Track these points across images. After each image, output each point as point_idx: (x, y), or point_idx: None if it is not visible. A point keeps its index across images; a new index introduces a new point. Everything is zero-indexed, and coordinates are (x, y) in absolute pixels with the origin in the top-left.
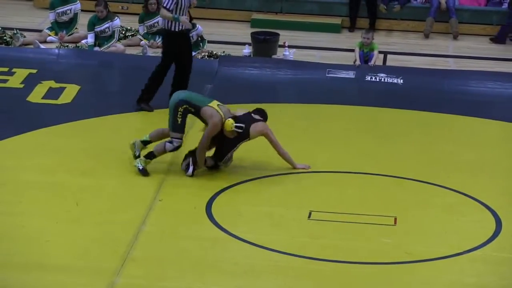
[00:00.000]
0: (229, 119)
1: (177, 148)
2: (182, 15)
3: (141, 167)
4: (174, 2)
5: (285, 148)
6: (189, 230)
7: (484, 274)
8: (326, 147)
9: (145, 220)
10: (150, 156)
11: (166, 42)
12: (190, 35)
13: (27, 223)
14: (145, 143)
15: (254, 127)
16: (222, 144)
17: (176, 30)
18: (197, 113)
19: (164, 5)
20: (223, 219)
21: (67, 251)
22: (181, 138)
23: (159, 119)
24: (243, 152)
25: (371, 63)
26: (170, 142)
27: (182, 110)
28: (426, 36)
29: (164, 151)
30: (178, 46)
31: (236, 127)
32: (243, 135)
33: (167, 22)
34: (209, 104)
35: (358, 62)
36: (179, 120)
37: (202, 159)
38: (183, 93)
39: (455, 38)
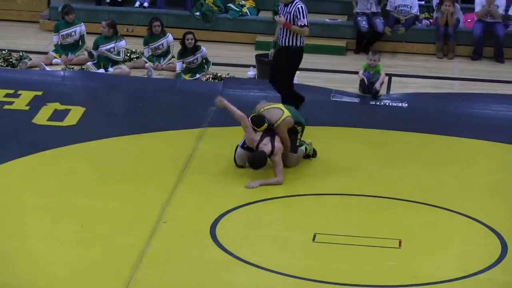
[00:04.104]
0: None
1: None
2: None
3: None
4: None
5: (289, 170)
6: (194, 252)
7: None
8: (330, 169)
9: (149, 242)
10: None
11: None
12: (195, 57)
13: (31, 245)
14: None
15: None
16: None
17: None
18: None
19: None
20: (228, 241)
21: (71, 273)
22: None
23: (164, 140)
24: (249, 174)
25: (377, 85)
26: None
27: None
28: (440, 58)
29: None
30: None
31: (250, 120)
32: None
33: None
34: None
35: (362, 76)
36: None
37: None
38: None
39: (450, 59)
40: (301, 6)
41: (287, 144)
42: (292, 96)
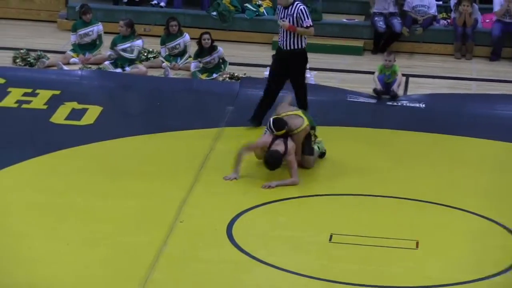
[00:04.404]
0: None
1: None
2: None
3: None
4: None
5: (306, 171)
6: (210, 252)
7: None
8: (346, 170)
9: (166, 241)
10: None
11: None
12: (212, 57)
13: (46, 246)
14: None
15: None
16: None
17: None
18: None
19: (310, 24)
20: (244, 241)
21: (87, 273)
22: None
23: (180, 140)
24: (265, 175)
25: (395, 87)
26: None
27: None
28: (458, 59)
29: None
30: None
31: (269, 123)
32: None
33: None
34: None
35: (379, 87)
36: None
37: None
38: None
39: (468, 59)
40: (303, 7)
41: (299, 152)
42: (303, 102)
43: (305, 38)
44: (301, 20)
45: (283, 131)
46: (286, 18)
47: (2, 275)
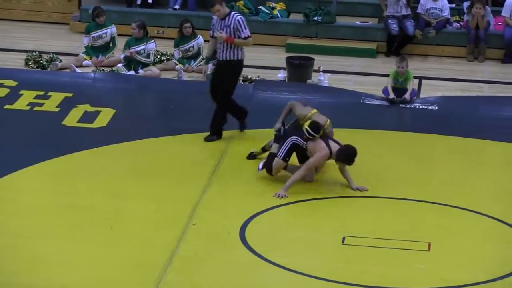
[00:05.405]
0: (310, 120)
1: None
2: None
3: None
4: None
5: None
6: (223, 254)
7: None
8: (360, 172)
9: (179, 244)
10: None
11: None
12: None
13: (60, 247)
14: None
15: (314, 144)
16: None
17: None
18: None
19: (249, 34)
20: (257, 243)
21: (101, 274)
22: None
23: (194, 142)
24: (278, 178)
25: (407, 95)
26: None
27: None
28: (471, 61)
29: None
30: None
31: (306, 130)
32: (302, 142)
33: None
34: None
35: (392, 96)
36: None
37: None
38: None
39: (480, 62)
40: (241, 18)
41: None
42: (235, 109)
43: (242, 50)
44: (239, 31)
45: (322, 132)
46: (223, 29)
47: (19, 275)
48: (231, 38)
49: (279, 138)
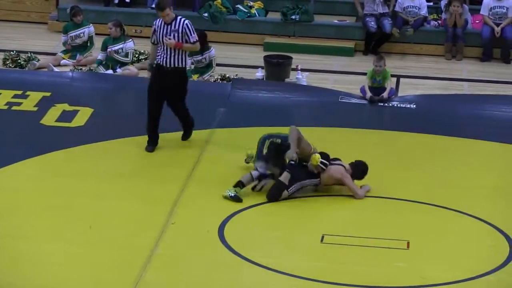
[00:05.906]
0: (316, 154)
1: (263, 175)
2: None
3: (232, 195)
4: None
5: None
6: (202, 253)
7: None
8: None
9: (157, 243)
10: (239, 184)
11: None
12: (203, 56)
13: (39, 246)
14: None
15: (328, 172)
16: (294, 172)
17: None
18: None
19: (196, 39)
20: (236, 242)
21: (80, 274)
22: (264, 167)
23: (172, 142)
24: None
25: (385, 94)
26: (256, 170)
27: (268, 143)
28: (449, 60)
29: (251, 179)
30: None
31: (321, 162)
32: (315, 176)
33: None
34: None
35: (369, 94)
36: (265, 151)
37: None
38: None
39: (458, 60)
40: (188, 22)
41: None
42: (188, 119)
43: (186, 56)
44: (187, 35)
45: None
46: (171, 34)
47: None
48: (180, 43)
49: (290, 167)
